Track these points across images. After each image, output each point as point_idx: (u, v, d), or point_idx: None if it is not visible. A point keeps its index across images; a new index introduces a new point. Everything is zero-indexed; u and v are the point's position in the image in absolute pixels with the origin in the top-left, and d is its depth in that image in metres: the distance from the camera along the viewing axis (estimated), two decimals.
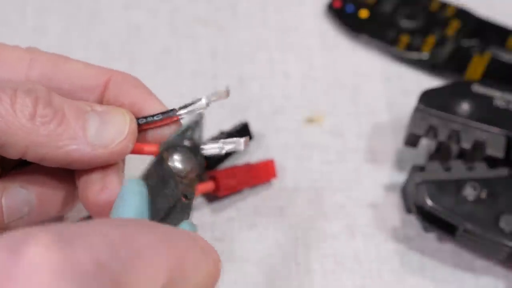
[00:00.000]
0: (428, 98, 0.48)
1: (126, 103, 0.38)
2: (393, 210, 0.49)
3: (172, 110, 0.38)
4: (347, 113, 0.53)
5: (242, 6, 0.58)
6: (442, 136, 0.47)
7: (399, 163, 0.51)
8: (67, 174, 0.39)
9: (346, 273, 0.47)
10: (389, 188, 0.50)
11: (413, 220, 0.48)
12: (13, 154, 0.36)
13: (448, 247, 0.48)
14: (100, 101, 0.39)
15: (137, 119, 0.38)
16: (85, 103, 0.38)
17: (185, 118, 0.39)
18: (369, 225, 0.48)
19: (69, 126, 0.36)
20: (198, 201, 0.49)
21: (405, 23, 0.56)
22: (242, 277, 0.46)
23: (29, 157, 0.36)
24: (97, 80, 0.39)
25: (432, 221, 0.45)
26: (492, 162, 0.46)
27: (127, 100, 0.39)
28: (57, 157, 0.36)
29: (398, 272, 0.47)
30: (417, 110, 0.47)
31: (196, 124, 0.38)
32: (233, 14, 0.57)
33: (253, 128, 0.52)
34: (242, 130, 0.49)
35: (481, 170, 0.46)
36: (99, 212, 0.37)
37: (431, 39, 0.55)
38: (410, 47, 0.55)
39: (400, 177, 0.50)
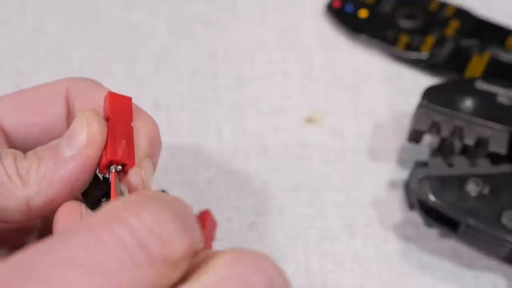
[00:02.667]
0: (431, 94, 0.48)
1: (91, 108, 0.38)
2: (393, 210, 0.49)
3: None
4: (347, 113, 0.53)
5: (242, 6, 0.58)
6: (445, 132, 0.47)
7: (399, 163, 0.51)
8: None
9: (345, 273, 0.47)
10: (389, 188, 0.50)
11: (413, 220, 0.48)
12: (19, 214, 0.35)
13: (448, 247, 0.48)
14: (71, 112, 0.39)
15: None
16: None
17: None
18: (369, 225, 0.48)
19: (47, 161, 0.35)
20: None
21: (405, 23, 0.56)
22: None
23: (35, 210, 0.35)
24: (55, 92, 0.39)
25: (435, 216, 0.46)
26: (495, 159, 0.46)
27: (91, 105, 0.38)
28: (56, 191, 0.35)
29: (398, 272, 0.47)
30: (420, 106, 0.48)
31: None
32: (232, 14, 0.57)
33: (253, 128, 0.52)
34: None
35: (483, 166, 0.46)
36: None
37: (430, 39, 0.55)
38: (409, 47, 0.55)
39: (401, 176, 0.50)
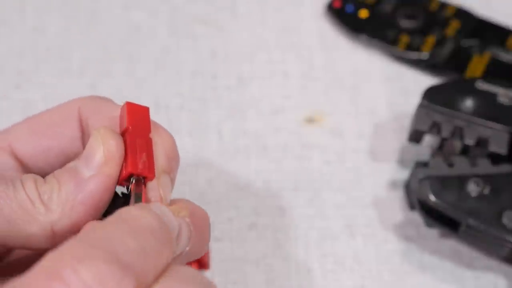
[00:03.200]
0: (432, 94, 0.48)
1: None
2: (393, 210, 0.49)
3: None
4: (347, 113, 0.53)
5: (242, 6, 0.58)
6: (446, 132, 0.47)
7: (400, 163, 0.51)
8: None
9: (346, 273, 0.47)
10: (390, 188, 0.50)
11: (413, 220, 0.48)
12: (44, 240, 0.35)
13: (448, 247, 0.48)
14: (85, 132, 0.38)
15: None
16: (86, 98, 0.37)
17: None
18: (369, 225, 0.48)
19: (66, 183, 0.35)
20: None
21: (405, 23, 0.56)
22: (242, 277, 0.46)
23: (60, 234, 0.35)
24: (67, 114, 0.38)
25: (435, 217, 0.45)
26: (495, 159, 0.46)
27: (104, 122, 0.37)
28: (79, 214, 0.35)
29: (398, 272, 0.47)
30: (421, 106, 0.48)
31: None
32: (232, 14, 0.57)
33: (253, 128, 0.52)
34: None
35: (484, 166, 0.46)
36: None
37: (431, 39, 0.55)
38: (410, 47, 0.55)
39: (401, 177, 0.50)
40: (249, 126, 0.52)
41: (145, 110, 0.37)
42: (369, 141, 0.52)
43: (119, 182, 0.36)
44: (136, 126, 0.36)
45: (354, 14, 0.56)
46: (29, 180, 0.35)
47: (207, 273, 0.46)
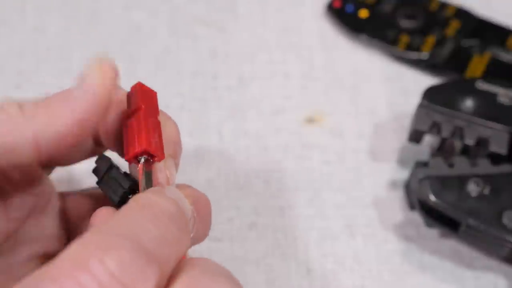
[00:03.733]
0: (432, 94, 0.48)
1: None
2: (394, 210, 0.49)
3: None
4: (347, 113, 0.53)
5: (242, 7, 0.58)
6: (446, 132, 0.47)
7: (400, 163, 0.51)
8: None
9: (346, 273, 0.47)
10: (390, 188, 0.50)
11: (413, 220, 0.48)
12: (28, 148, 0.34)
13: (448, 247, 0.48)
14: None
15: None
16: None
17: None
18: (369, 225, 0.48)
19: (56, 100, 0.34)
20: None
21: (405, 23, 0.56)
22: (242, 277, 0.46)
23: (44, 144, 0.34)
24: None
25: (435, 217, 0.46)
26: (496, 159, 0.46)
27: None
28: (66, 126, 0.34)
29: (398, 272, 0.47)
30: (421, 106, 0.48)
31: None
32: (233, 14, 0.57)
33: (254, 128, 0.52)
34: None
35: (484, 166, 0.46)
36: None
37: (431, 39, 0.55)
38: (410, 47, 0.55)
39: (401, 176, 0.50)
40: (249, 126, 0.52)
41: (154, 93, 0.37)
42: (369, 141, 0.52)
43: (130, 158, 0.35)
44: (148, 106, 0.36)
45: (354, 14, 0.56)
46: (12, 104, 0.34)
47: None
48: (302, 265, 0.47)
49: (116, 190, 0.36)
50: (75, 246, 0.29)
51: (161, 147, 0.35)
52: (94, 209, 0.35)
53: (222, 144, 0.51)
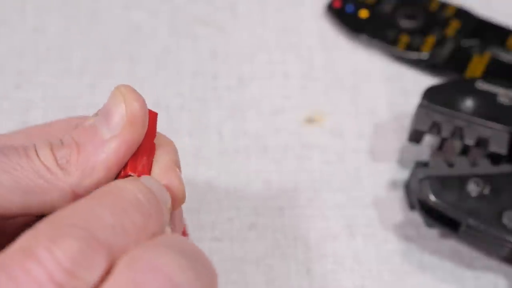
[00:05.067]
0: (432, 94, 0.48)
1: None
2: (393, 210, 0.49)
3: None
4: (347, 113, 0.53)
5: (242, 6, 0.58)
6: (446, 132, 0.47)
7: (400, 163, 0.51)
8: None
9: (345, 273, 0.47)
10: (390, 188, 0.50)
11: (413, 220, 0.48)
12: (66, 202, 0.34)
13: (448, 247, 0.48)
14: None
15: None
16: (83, 117, 0.37)
17: None
18: (369, 225, 0.48)
19: (86, 146, 0.34)
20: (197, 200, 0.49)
21: (405, 23, 0.56)
22: (242, 277, 0.46)
23: (82, 195, 0.34)
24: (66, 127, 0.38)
25: (435, 217, 0.46)
26: (496, 159, 0.46)
27: None
28: (101, 175, 0.34)
29: (398, 272, 0.47)
30: (421, 106, 0.48)
31: None
32: (232, 14, 0.57)
33: (253, 128, 0.52)
34: None
35: (484, 166, 0.46)
36: None
37: (431, 39, 0.55)
38: (410, 47, 0.55)
39: (401, 176, 0.50)
40: (249, 126, 0.52)
41: (154, 115, 0.36)
42: (369, 141, 0.52)
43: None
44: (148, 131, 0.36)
45: (354, 14, 0.56)
46: (44, 146, 0.34)
47: None
48: (302, 265, 0.47)
49: None
50: (26, 236, 0.30)
51: (149, 169, 0.35)
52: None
53: (222, 144, 0.51)
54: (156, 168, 0.36)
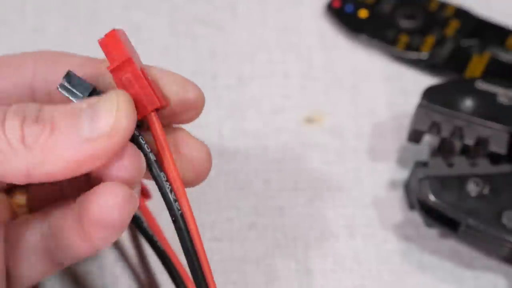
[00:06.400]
0: (431, 94, 0.48)
1: None
2: (393, 210, 0.49)
3: None
4: (347, 112, 0.53)
5: (242, 6, 0.58)
6: (445, 132, 0.47)
7: (399, 163, 0.51)
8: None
9: (345, 273, 0.47)
10: (390, 188, 0.50)
11: (413, 220, 0.48)
12: (18, 180, 0.33)
13: (448, 247, 0.48)
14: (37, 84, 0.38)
15: None
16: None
17: None
18: (369, 225, 0.49)
19: (61, 132, 0.33)
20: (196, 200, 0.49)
21: (405, 23, 0.56)
22: (242, 277, 0.46)
23: (35, 179, 0.33)
24: (96, 68, 0.37)
25: (435, 216, 0.46)
26: (495, 159, 0.47)
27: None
28: (59, 168, 0.33)
29: (398, 272, 0.47)
30: (420, 106, 0.48)
31: None
32: (232, 14, 0.57)
33: (253, 128, 0.52)
34: None
35: (484, 166, 0.46)
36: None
37: (430, 39, 0.55)
38: (409, 47, 0.55)
39: (401, 176, 0.50)
40: (249, 126, 0.52)
41: (121, 33, 0.37)
42: (369, 141, 0.52)
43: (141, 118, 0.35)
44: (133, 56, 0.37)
45: (354, 14, 0.56)
46: (15, 117, 0.33)
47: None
48: (302, 265, 0.47)
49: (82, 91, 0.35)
50: None
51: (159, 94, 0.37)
52: None
53: (222, 143, 0.51)
54: (174, 86, 0.38)
